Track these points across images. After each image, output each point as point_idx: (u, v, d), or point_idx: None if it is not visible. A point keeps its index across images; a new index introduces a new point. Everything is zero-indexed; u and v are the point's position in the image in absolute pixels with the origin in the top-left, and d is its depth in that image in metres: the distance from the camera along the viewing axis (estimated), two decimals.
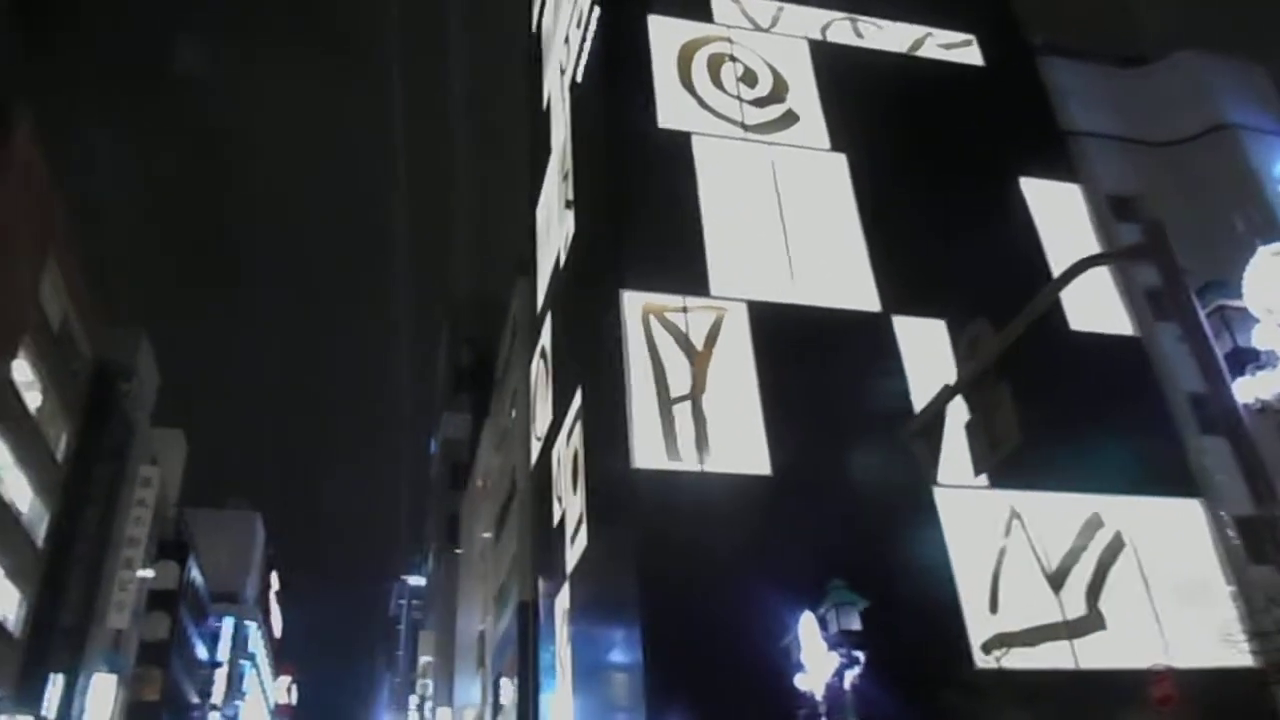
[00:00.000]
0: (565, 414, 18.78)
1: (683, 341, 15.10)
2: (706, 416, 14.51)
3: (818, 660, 9.56)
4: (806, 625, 9.90)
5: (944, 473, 14.31)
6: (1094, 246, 18.04)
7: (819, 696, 9.50)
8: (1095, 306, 17.20)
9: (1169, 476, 15.65)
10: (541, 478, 21.21)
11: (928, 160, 18.09)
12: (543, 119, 25.36)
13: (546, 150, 24.18)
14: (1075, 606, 14.10)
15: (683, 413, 14.47)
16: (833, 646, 9.44)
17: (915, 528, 14.13)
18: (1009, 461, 15.25)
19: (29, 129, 20.22)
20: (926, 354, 15.76)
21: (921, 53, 20.18)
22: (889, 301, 16.39)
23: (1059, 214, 18.30)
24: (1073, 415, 15.45)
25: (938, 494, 14.58)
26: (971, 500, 14.72)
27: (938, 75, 19.77)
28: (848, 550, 12.85)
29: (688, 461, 14.08)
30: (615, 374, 14.82)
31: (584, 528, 16.80)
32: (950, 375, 15.30)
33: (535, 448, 22.44)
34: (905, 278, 16.59)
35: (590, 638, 15.97)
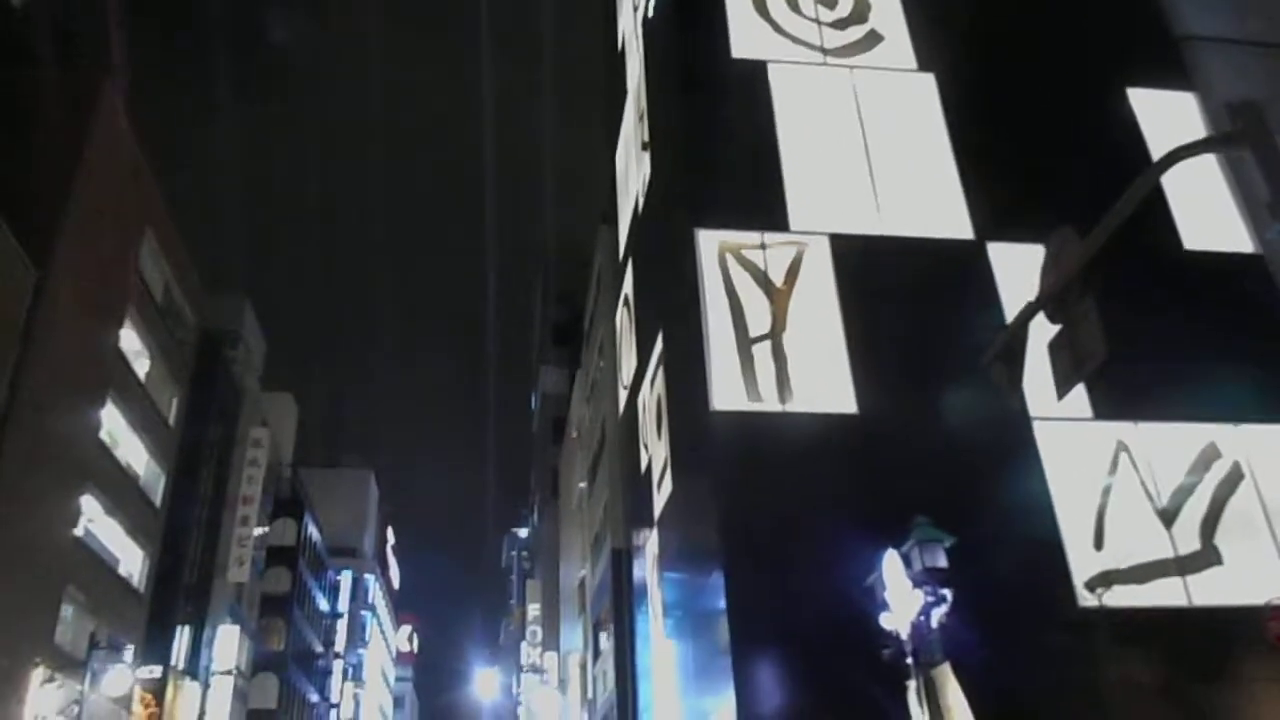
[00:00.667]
0: (648, 360, 18.53)
1: (761, 279, 14.57)
2: (788, 355, 14.01)
3: (902, 599, 9.13)
4: (890, 563, 9.46)
5: (1044, 404, 13.57)
6: (1210, 160, 16.72)
7: (905, 635, 9.08)
8: (1211, 223, 15.94)
9: None
10: (629, 426, 21.10)
11: (1024, 75, 16.94)
12: (618, 61, 24.84)
13: (623, 93, 23.69)
14: (1188, 542, 13.21)
15: (763, 352, 14.00)
16: (917, 584, 8.99)
17: (1013, 464, 13.42)
18: (1115, 389, 14.32)
19: (121, 101, 20.87)
20: (1025, 282, 14.74)
21: None
22: (983, 228, 15.49)
23: (1172, 125, 16.89)
24: (1186, 340, 14.41)
25: (1037, 428, 13.81)
26: (1074, 434, 13.91)
27: None
28: (940, 489, 12.30)
29: (769, 402, 13.64)
30: (693, 316, 14.44)
31: (668, 473, 16.59)
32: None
33: (622, 396, 22.33)
34: (1001, 202, 15.62)
35: (678, 584, 15.83)
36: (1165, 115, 17.06)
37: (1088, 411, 14.04)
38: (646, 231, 19.74)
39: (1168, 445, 14.00)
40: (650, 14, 19.99)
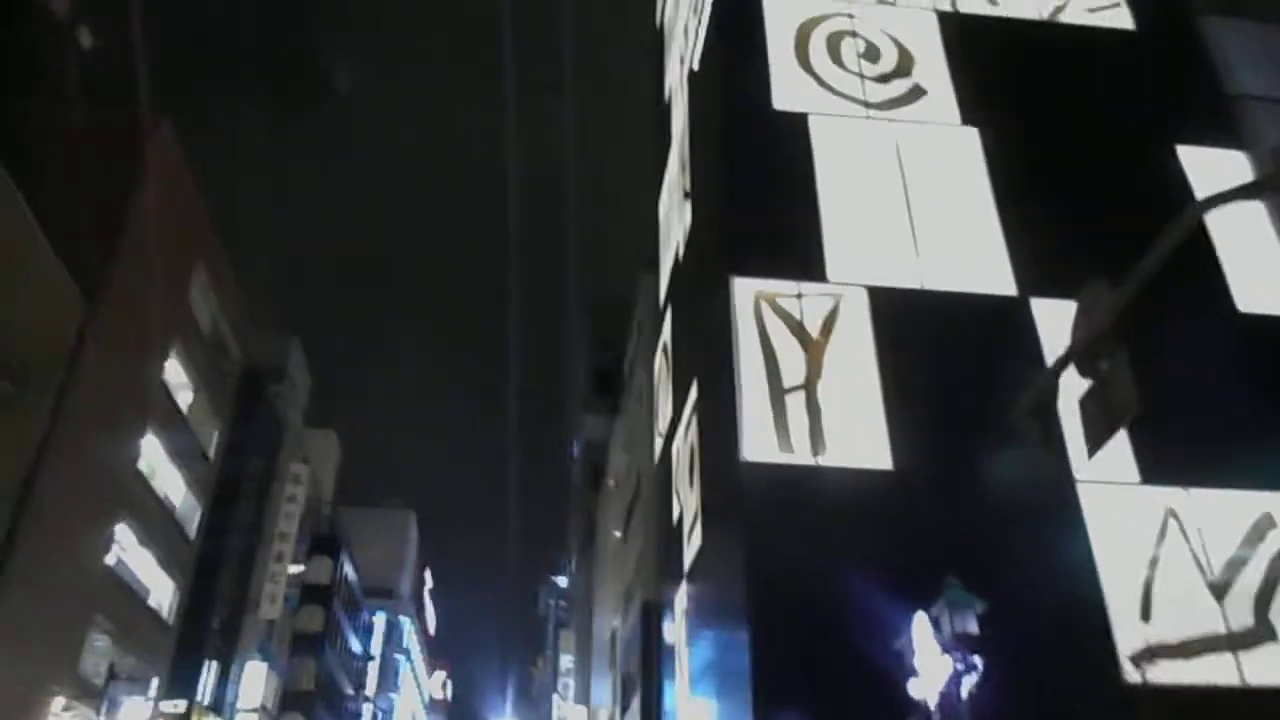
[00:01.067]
0: (683, 408, 18.32)
1: (797, 329, 14.36)
2: (822, 407, 13.73)
3: (931, 665, 8.71)
4: (920, 627, 9.06)
5: (1089, 466, 13.06)
6: (1263, 218, 16.27)
7: (932, 705, 8.65)
8: (1267, 285, 15.44)
9: None
10: (663, 475, 20.83)
11: (1071, 130, 16.71)
12: (664, 113, 25.04)
13: (668, 143, 23.83)
14: (1241, 617, 12.55)
15: (796, 404, 13.73)
16: (947, 650, 8.57)
17: (1055, 528, 12.93)
18: (1164, 453, 13.76)
19: (173, 135, 21.44)
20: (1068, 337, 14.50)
21: (1063, 18, 18.71)
22: (1027, 284, 15.15)
23: (1222, 184, 16.43)
24: (1239, 404, 13.91)
25: (1082, 491, 13.32)
26: (1121, 498, 13.38)
27: (1081, 40, 18.26)
28: (976, 550, 11.86)
29: (800, 454, 13.33)
30: (726, 364, 14.24)
31: (698, 525, 16.28)
32: None
33: (658, 445, 22.10)
34: (1046, 258, 15.30)
35: (705, 639, 15.42)
36: (1215, 173, 16.62)
37: (1135, 475, 13.53)
38: (685, 279, 19.66)
39: (1220, 514, 13.40)
40: (696, 67, 20.13)
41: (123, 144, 19.63)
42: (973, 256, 15.38)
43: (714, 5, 18.46)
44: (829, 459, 13.36)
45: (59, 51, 22.70)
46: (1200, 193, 16.50)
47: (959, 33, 17.85)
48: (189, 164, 22.34)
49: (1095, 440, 6.22)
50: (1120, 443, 13.88)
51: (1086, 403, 6.36)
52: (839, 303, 14.67)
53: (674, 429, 19.42)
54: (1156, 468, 13.56)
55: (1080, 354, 6.28)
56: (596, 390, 54.55)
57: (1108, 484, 13.40)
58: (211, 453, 26.51)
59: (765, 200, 15.61)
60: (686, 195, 20.06)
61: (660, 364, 22.60)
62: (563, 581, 69.86)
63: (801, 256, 15.01)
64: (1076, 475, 13.27)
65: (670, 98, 24.43)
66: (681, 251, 20.22)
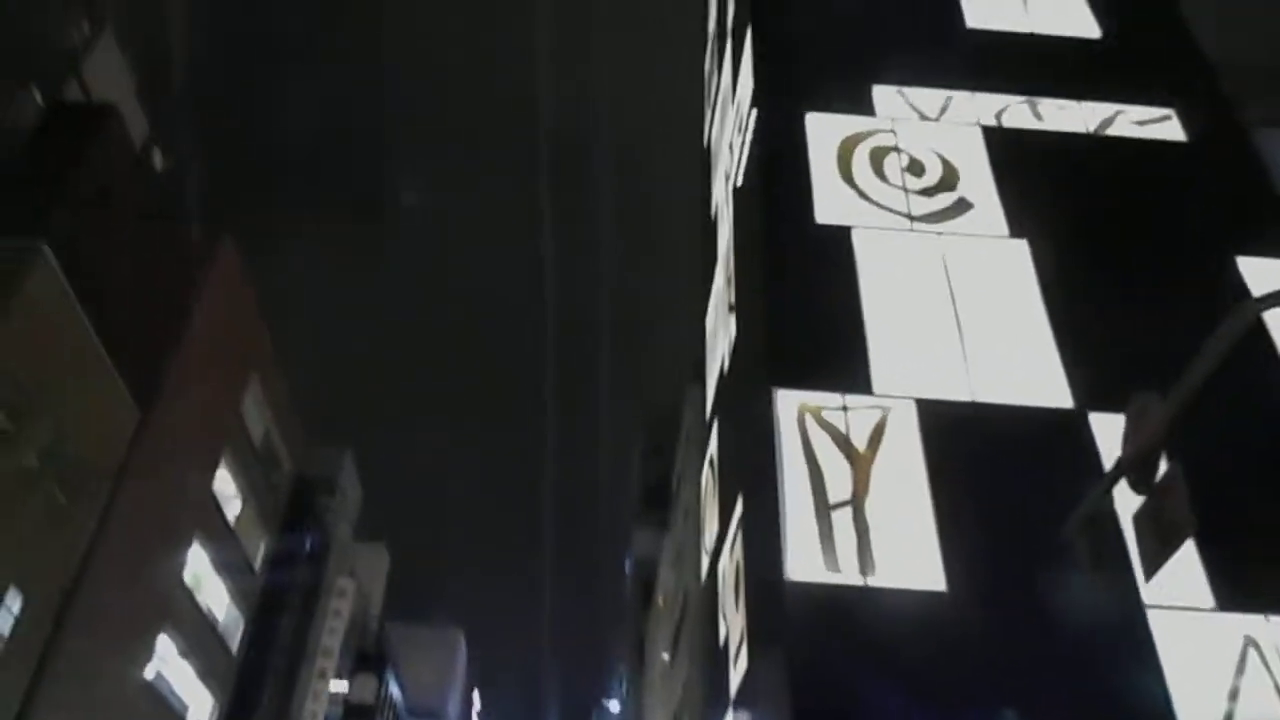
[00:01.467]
0: (729, 524, 17.83)
1: (842, 443, 13.95)
2: (870, 525, 13.19)
3: None
4: None
5: (1161, 591, 12.29)
6: None
7: None
8: None
9: None
10: (710, 595, 20.17)
11: (1125, 242, 16.42)
12: (711, 228, 25.33)
13: (715, 258, 24.00)
14: None
15: (843, 520, 13.22)
16: None
17: (1123, 657, 12.05)
18: (1241, 577, 12.90)
19: (233, 252, 22.19)
20: None
21: (1111, 131, 18.64)
22: (1084, 397, 14.61)
23: None
24: None
25: (1152, 618, 12.47)
26: (1195, 625, 12.48)
27: (1132, 153, 18.13)
28: (1037, 680, 11.12)
29: (848, 574, 12.74)
30: (770, 479, 13.84)
31: (744, 649, 15.57)
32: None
33: (704, 563, 21.50)
34: (1105, 370, 14.79)
35: None
36: (1279, 282, 16.13)
37: (1209, 601, 12.65)
38: (731, 392, 19.44)
39: None
40: (740, 182, 20.38)
41: (184, 260, 20.33)
42: (1026, 369, 14.95)
43: (757, 123, 18.78)
44: (878, 579, 12.75)
45: (131, 171, 23.84)
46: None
47: (1004, 147, 17.84)
48: (248, 278, 23.04)
49: (1152, 561, 5.75)
50: (1192, 566, 13.07)
51: (1141, 521, 5.91)
52: (886, 415, 14.28)
53: (720, 546, 18.87)
54: (1233, 593, 12.68)
55: (1132, 469, 5.87)
56: (647, 503, 53.87)
57: (1180, 610, 12.55)
58: (257, 565, 26.46)
59: (808, 312, 15.45)
60: (731, 309, 20.03)
61: (707, 478, 22.18)
62: (615, 706, 67.64)
63: (846, 368, 14.73)
64: (1146, 601, 12.52)
65: (716, 214, 24.73)
66: (726, 364, 20.06)
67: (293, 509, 29.35)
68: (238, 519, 24.82)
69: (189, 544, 21.97)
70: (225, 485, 23.85)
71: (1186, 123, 18.80)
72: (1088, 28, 20.75)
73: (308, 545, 31.24)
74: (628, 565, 58.76)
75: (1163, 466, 5.75)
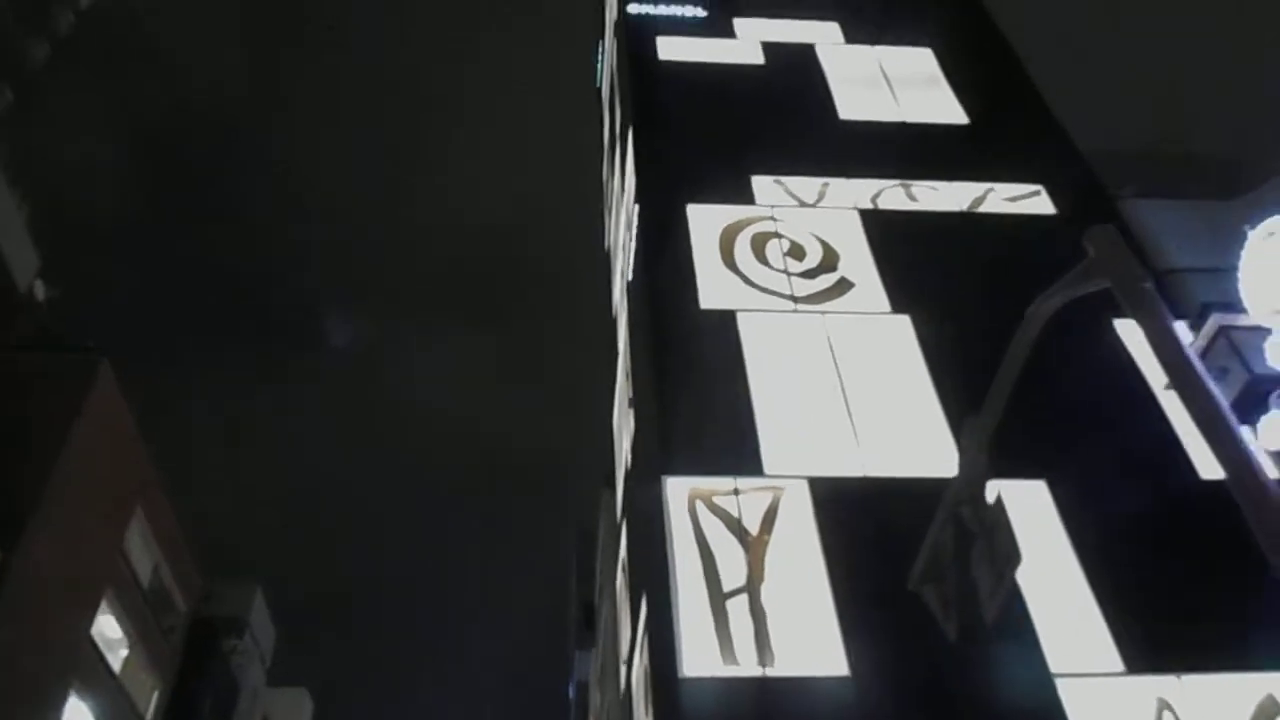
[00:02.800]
0: (637, 628, 17.04)
1: (735, 527, 13.48)
2: (766, 611, 12.62)
3: None
4: None
5: (1067, 658, 11.88)
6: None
7: None
8: None
9: None
10: (626, 708, 19.14)
11: (1005, 312, 16.55)
12: (611, 327, 25.25)
13: (615, 356, 23.83)
14: None
15: (738, 608, 12.63)
16: None
17: None
18: (1150, 638, 12.51)
19: (111, 377, 21.24)
20: (1026, 518, 13.65)
21: (983, 209, 19.17)
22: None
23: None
24: (1224, 581, 12.86)
25: (1062, 686, 12.01)
26: (1105, 691, 12.06)
27: (1004, 226, 18.63)
28: None
29: (746, 665, 12.08)
30: (663, 571, 13.25)
31: None
32: (1058, 538, 12.87)
33: (623, 674, 20.50)
34: (994, 439, 14.72)
35: None
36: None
37: (1119, 665, 12.28)
38: (634, 489, 18.93)
39: (1218, 700, 12.03)
40: (630, 277, 20.39)
41: (56, 388, 19.40)
42: (915, 441, 14.79)
43: (640, 218, 18.90)
44: (778, 668, 12.11)
45: (11, 305, 23.01)
46: (1143, 361, 16.18)
47: (881, 227, 18.16)
48: (126, 406, 22.03)
49: (990, 598, 5.34)
50: (1098, 630, 12.74)
51: (977, 557, 5.53)
52: (779, 496, 13.89)
53: (631, 653, 18.01)
54: (1142, 655, 12.35)
55: (961, 502, 5.52)
56: (587, 624, 52.08)
57: (1090, 676, 12.15)
58: (149, 716, 24.50)
59: (695, 397, 15.18)
60: (630, 403, 19.72)
61: (621, 583, 21.38)
62: None
63: (737, 452, 14.40)
64: (1054, 670, 12.11)
65: (616, 313, 24.69)
66: (629, 461, 19.61)
67: (191, 653, 27.48)
68: (123, 666, 23.07)
69: (65, 697, 20.24)
70: (108, 629, 22.23)
71: (1055, 196, 19.45)
72: (955, 115, 21.60)
73: (211, 692, 29.19)
74: (571, 691, 56.47)
75: (990, 498, 5.43)
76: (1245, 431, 3.86)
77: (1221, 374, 7.00)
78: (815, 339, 16.20)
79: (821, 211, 18.61)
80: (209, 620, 29.67)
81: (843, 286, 17.12)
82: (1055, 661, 12.14)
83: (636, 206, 19.30)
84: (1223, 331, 7.10)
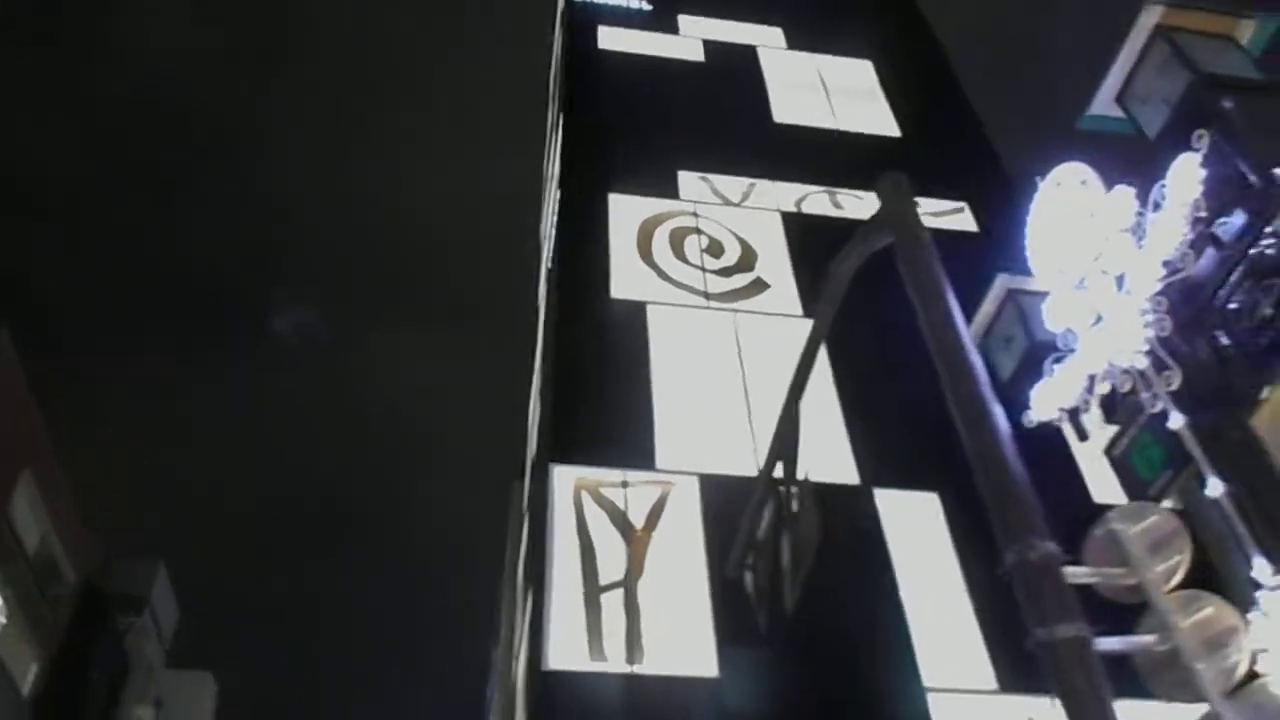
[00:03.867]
0: (525, 620, 16.60)
1: (619, 520, 13.13)
2: (641, 606, 12.27)
3: None
4: None
5: (941, 674, 11.62)
6: None
7: None
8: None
9: None
10: (512, 703, 18.68)
11: (909, 323, 16.53)
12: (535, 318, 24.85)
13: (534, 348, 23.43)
14: None
15: (613, 602, 12.27)
16: None
17: None
18: (1023, 657, 12.31)
19: (8, 343, 20.30)
20: (915, 530, 13.57)
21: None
22: (870, 474, 14.28)
23: None
24: (1107, 605, 12.79)
25: (933, 701, 11.82)
26: (977, 708, 11.89)
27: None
28: None
29: (614, 662, 11.72)
30: (541, 563, 12.86)
31: None
32: (945, 551, 12.49)
33: (512, 669, 20.03)
34: (890, 448, 14.59)
35: None
36: None
37: (991, 683, 12.12)
38: (529, 479, 18.56)
39: None
40: (549, 265, 20.01)
41: None
42: (814, 447, 14.54)
43: (560, 203, 18.53)
44: (647, 665, 11.76)
45: None
46: None
47: (802, 232, 17.98)
48: (17, 369, 21.07)
49: (791, 582, 5.03)
50: (974, 647, 12.59)
51: (784, 542, 5.22)
52: (668, 492, 13.57)
53: (517, 646, 17.57)
54: (1016, 674, 12.18)
55: (772, 484, 5.23)
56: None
57: (962, 692, 11.97)
58: (26, 688, 23.41)
59: (595, 387, 14.84)
60: (540, 394, 19.34)
61: (518, 580, 20.92)
62: None
63: (631, 444, 14.05)
64: (927, 684, 11.92)
65: (539, 302, 24.29)
66: (534, 450, 19.20)
67: (78, 626, 26.36)
68: (3, 635, 22.02)
69: None
70: None
71: (978, 214, 19.45)
72: (889, 128, 21.55)
73: (98, 668, 28.07)
74: (490, 691, 55.72)
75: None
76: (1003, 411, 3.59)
77: (1006, 343, 6.80)
78: (724, 337, 15.95)
79: (745, 211, 18.39)
80: (101, 594, 28.57)
81: (758, 286, 16.90)
82: (929, 675, 11.94)
83: (558, 192, 18.93)
84: (1011, 296, 6.93)
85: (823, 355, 15.93)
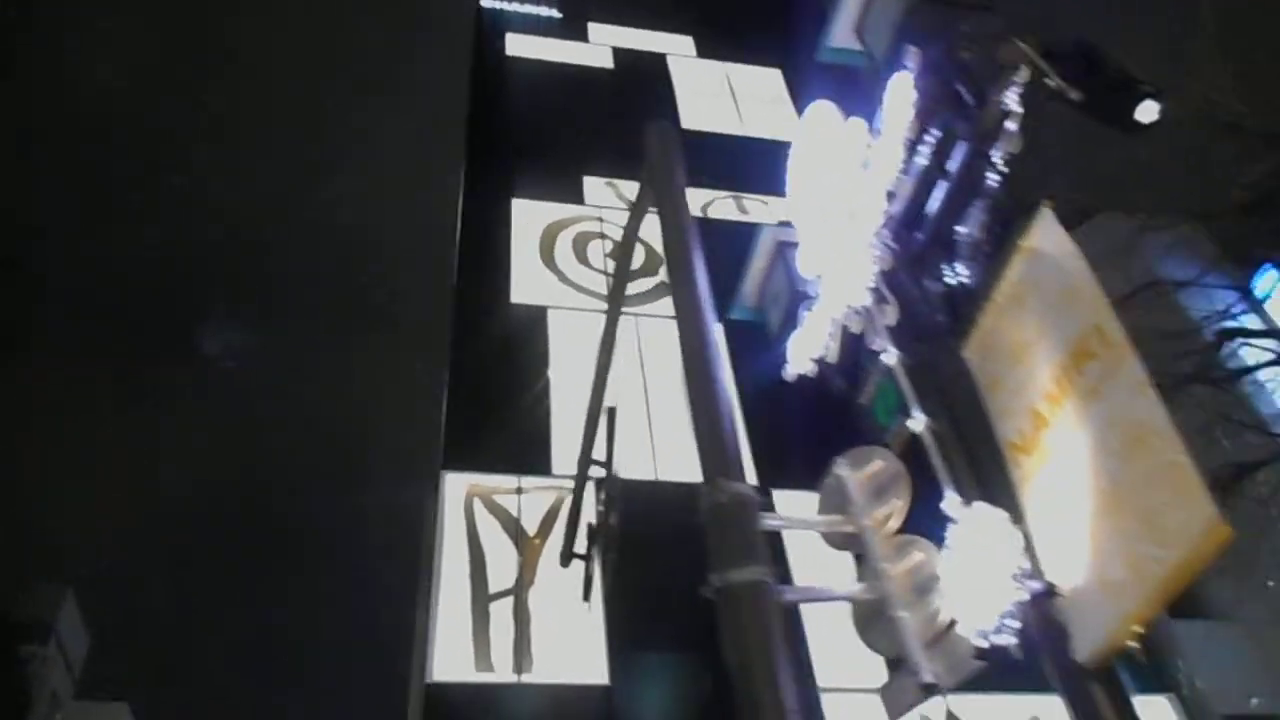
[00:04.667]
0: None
1: (512, 527, 12.87)
2: (531, 615, 11.99)
3: None
4: None
5: (834, 674, 11.44)
6: None
7: None
8: None
9: (1127, 668, 12.65)
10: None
11: None
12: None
13: None
14: None
15: (502, 612, 11.98)
16: None
17: None
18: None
19: None
20: (811, 531, 13.50)
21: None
22: (768, 476, 14.19)
23: None
24: None
25: (827, 700, 11.74)
26: (866, 706, 11.78)
27: None
28: None
29: (501, 672, 11.41)
30: (428, 571, 12.52)
31: None
32: (844, 554, 12.12)
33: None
34: (784, 451, 14.53)
35: None
36: None
37: (883, 679, 12.04)
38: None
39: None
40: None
41: None
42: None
43: (463, 211, 18.24)
44: (535, 675, 11.47)
45: None
46: None
47: (708, 235, 17.84)
48: None
49: (602, 580, 4.86)
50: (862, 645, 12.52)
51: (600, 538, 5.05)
52: (563, 497, 13.30)
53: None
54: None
55: (584, 478, 5.05)
56: None
57: (854, 691, 11.88)
58: None
59: (490, 392, 14.59)
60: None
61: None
62: None
63: (526, 451, 13.81)
64: (820, 683, 11.83)
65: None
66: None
67: None
68: None
69: None
70: None
71: None
72: (795, 133, 21.66)
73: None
74: None
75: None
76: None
77: (775, 298, 6.73)
78: (626, 341, 15.77)
79: (650, 216, 18.24)
80: (4, 622, 27.33)
81: (661, 291, 16.77)
82: (822, 675, 11.84)
83: (461, 198, 18.64)
84: (779, 249, 6.85)
85: (726, 360, 15.78)
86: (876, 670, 12.10)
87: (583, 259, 17.01)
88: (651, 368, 15.42)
